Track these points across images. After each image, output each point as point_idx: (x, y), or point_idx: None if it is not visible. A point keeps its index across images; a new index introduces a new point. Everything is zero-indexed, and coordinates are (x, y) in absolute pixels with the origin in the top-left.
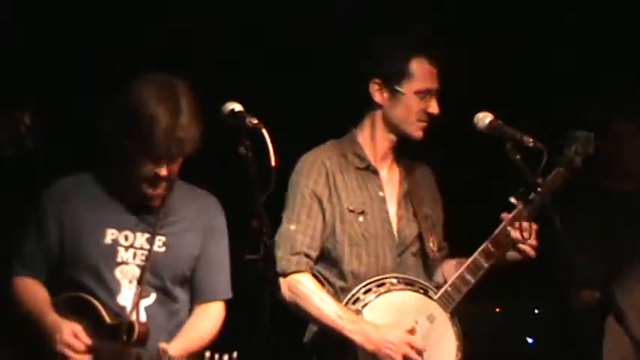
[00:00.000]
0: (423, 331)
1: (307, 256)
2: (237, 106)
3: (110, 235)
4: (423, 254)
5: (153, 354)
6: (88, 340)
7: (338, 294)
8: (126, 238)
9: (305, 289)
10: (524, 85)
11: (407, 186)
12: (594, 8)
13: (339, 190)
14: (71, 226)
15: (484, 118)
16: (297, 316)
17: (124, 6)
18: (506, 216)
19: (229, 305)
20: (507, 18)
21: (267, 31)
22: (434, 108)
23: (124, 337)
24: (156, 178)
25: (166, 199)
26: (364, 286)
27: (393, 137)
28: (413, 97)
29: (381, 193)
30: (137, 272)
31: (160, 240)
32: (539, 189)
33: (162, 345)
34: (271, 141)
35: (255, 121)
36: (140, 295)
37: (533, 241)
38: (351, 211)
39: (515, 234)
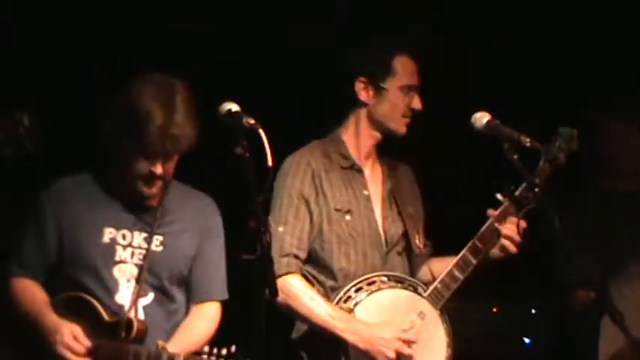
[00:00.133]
0: (415, 328)
1: (296, 257)
2: (234, 107)
3: (108, 234)
4: (408, 252)
5: (152, 351)
6: (87, 342)
7: (328, 293)
8: (124, 237)
9: (296, 289)
10: (523, 85)
11: (390, 184)
12: (594, 8)
13: (324, 190)
14: (70, 225)
15: (481, 118)
16: (287, 315)
17: (124, 6)
18: (492, 212)
19: (226, 305)
20: (507, 18)
21: (267, 31)
22: (417, 103)
23: (123, 335)
24: (151, 177)
25: (163, 199)
26: (355, 285)
27: (377, 135)
28: (397, 93)
29: (365, 192)
30: (135, 271)
31: (157, 239)
32: (536, 189)
33: (161, 342)
34: (268, 141)
35: (252, 122)
36: (138, 294)
37: (517, 237)
38: (338, 210)
39: (505, 231)
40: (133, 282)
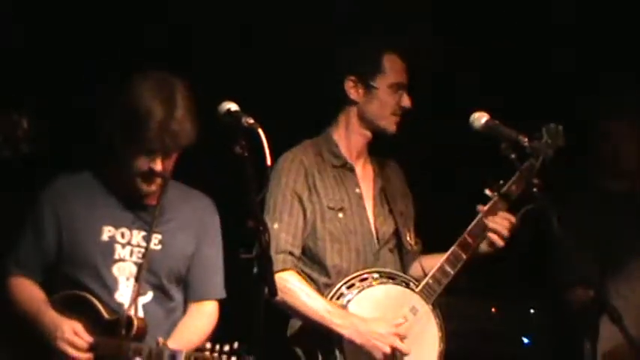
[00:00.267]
0: (407, 323)
1: (291, 253)
2: (233, 106)
3: (107, 232)
4: (399, 249)
5: (153, 347)
6: (89, 338)
7: (321, 290)
8: (122, 235)
9: (292, 286)
10: (523, 85)
11: (381, 183)
12: (594, 8)
13: (317, 188)
14: (68, 224)
15: (480, 118)
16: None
17: (124, 6)
18: (481, 208)
19: (225, 304)
20: (507, 18)
21: (267, 31)
22: (406, 101)
23: (123, 332)
24: (150, 174)
25: (162, 198)
26: (347, 282)
27: (367, 133)
28: (387, 92)
29: (357, 190)
30: (134, 269)
31: (156, 238)
32: (535, 189)
33: (161, 339)
34: (267, 141)
35: (251, 121)
36: (138, 293)
37: (504, 231)
38: (331, 208)
39: (492, 225)
40: (132, 280)
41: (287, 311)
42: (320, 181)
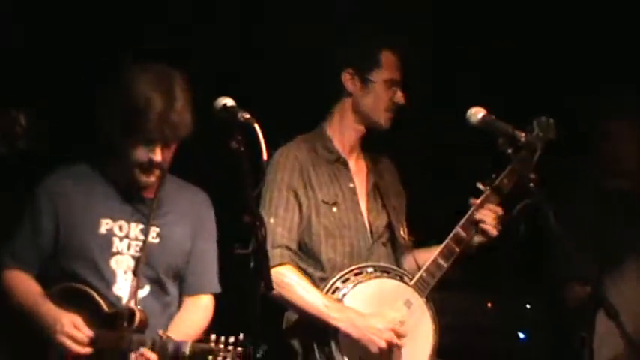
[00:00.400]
0: (402, 316)
1: (288, 248)
2: (229, 101)
3: (105, 225)
4: (392, 243)
5: (157, 339)
6: (89, 331)
7: (317, 284)
8: (120, 228)
9: (289, 280)
10: (523, 84)
11: (374, 178)
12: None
13: (312, 183)
14: (66, 216)
15: (477, 113)
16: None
17: (124, 6)
18: (474, 202)
19: (220, 298)
20: (507, 18)
21: (267, 31)
22: (400, 98)
23: (125, 324)
24: (150, 165)
25: (159, 191)
26: (342, 276)
27: (361, 128)
28: (382, 86)
29: (351, 185)
30: (131, 263)
31: (154, 231)
32: (531, 184)
33: (162, 331)
34: (265, 138)
35: (247, 116)
36: (137, 286)
37: (492, 222)
38: (325, 202)
39: (479, 216)
40: (130, 273)
41: (284, 305)
42: (314, 176)
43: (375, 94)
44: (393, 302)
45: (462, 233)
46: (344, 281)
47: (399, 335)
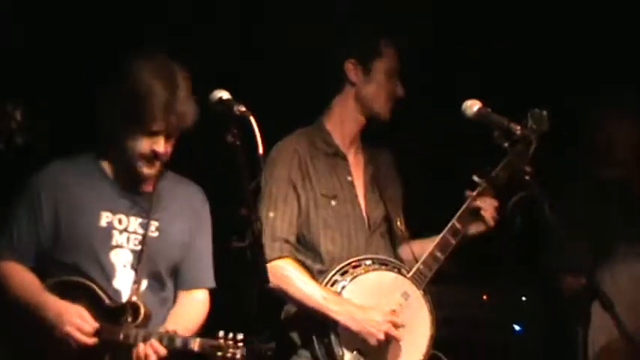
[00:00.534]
0: (400, 309)
1: (287, 241)
2: (225, 94)
3: (105, 217)
4: (390, 234)
5: (163, 333)
6: (94, 323)
7: (316, 277)
8: (120, 221)
9: (289, 273)
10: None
11: (372, 170)
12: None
13: (311, 176)
14: (66, 208)
15: (472, 106)
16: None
17: (124, 6)
18: (470, 193)
19: (216, 292)
20: (507, 18)
21: (267, 31)
22: (400, 90)
23: (129, 319)
24: (152, 156)
25: (157, 185)
26: (340, 269)
27: (362, 119)
28: (383, 76)
29: (349, 178)
30: (130, 257)
31: (153, 225)
32: (527, 176)
33: (168, 327)
34: (265, 137)
35: (243, 109)
36: (139, 281)
37: (492, 212)
38: (324, 195)
39: (482, 204)
40: (129, 267)
41: (284, 298)
42: (313, 169)
43: (377, 83)
44: (390, 294)
45: (458, 225)
46: (342, 274)
47: (397, 327)
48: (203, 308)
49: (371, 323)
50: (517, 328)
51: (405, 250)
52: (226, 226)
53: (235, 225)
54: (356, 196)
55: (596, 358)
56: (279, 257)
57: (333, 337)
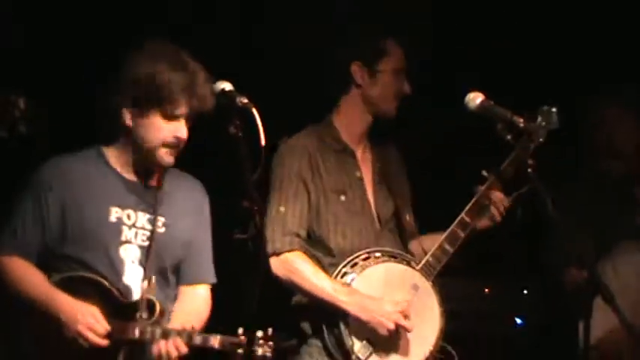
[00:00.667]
0: (409, 300)
1: (298, 235)
2: (227, 86)
3: (115, 213)
4: (399, 229)
5: (182, 331)
6: (107, 325)
7: (326, 269)
8: (129, 216)
9: (299, 265)
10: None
11: (380, 166)
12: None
13: (320, 172)
14: (74, 203)
15: (475, 99)
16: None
17: (124, 6)
18: (479, 188)
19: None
20: (507, 18)
21: (267, 31)
22: (407, 88)
23: (144, 315)
24: (176, 143)
25: (162, 179)
26: (350, 261)
27: (369, 118)
28: (390, 76)
29: (358, 174)
30: (138, 252)
31: (159, 220)
32: (530, 170)
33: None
34: (261, 120)
35: (245, 100)
36: (151, 276)
37: (502, 207)
38: (333, 191)
39: (493, 198)
40: (137, 263)
41: (294, 290)
42: (322, 165)
43: (383, 83)
44: (400, 286)
45: (467, 219)
46: (352, 266)
47: (407, 317)
48: (207, 304)
49: (381, 313)
50: (519, 321)
51: (414, 245)
52: (228, 219)
53: (237, 217)
54: (365, 191)
55: (597, 350)
56: (290, 250)
57: (342, 327)
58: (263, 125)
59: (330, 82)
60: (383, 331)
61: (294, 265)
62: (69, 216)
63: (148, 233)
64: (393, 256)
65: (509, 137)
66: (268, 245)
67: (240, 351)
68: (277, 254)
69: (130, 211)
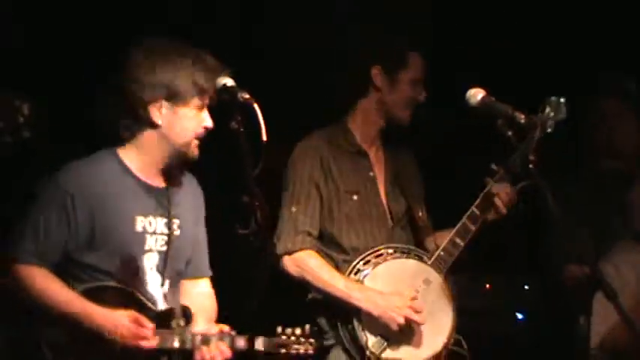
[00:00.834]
0: (421, 294)
1: (310, 234)
2: (229, 81)
3: (140, 222)
4: (412, 227)
5: (223, 334)
6: (150, 323)
7: (340, 266)
8: (150, 224)
9: (312, 263)
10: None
11: (393, 166)
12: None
13: (333, 173)
14: (101, 211)
15: (476, 94)
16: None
17: (124, 6)
18: (489, 181)
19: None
20: (507, 18)
21: (267, 31)
22: (422, 96)
23: (181, 323)
24: (203, 134)
25: (170, 180)
26: (363, 258)
27: (382, 123)
28: (407, 86)
29: (371, 174)
30: (156, 258)
31: (174, 223)
32: (531, 165)
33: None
34: (262, 116)
35: (247, 96)
36: (171, 284)
37: (507, 201)
38: (346, 191)
39: (497, 191)
40: (154, 270)
41: (307, 287)
42: (335, 166)
43: (401, 91)
44: (412, 281)
45: (477, 212)
46: (365, 263)
47: (418, 312)
48: (213, 298)
49: (391, 308)
50: (519, 316)
51: (429, 241)
52: (229, 214)
53: (240, 212)
54: (378, 190)
55: (598, 347)
56: (301, 249)
57: (356, 323)
58: (263, 124)
59: (347, 83)
60: (394, 326)
61: (307, 264)
62: (97, 223)
63: (166, 237)
64: (405, 252)
65: (509, 133)
66: (281, 245)
67: (283, 350)
68: (289, 253)
69: (151, 218)
